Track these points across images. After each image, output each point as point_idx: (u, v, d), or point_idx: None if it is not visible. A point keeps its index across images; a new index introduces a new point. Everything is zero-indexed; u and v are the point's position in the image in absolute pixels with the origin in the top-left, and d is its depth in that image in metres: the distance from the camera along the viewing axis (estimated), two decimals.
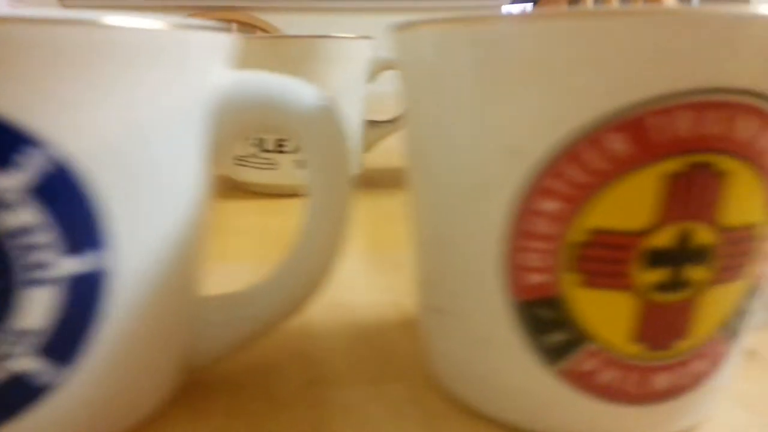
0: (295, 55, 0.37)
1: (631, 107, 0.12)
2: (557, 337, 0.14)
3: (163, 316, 0.14)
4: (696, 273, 0.13)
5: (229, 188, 0.40)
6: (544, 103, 0.12)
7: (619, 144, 0.12)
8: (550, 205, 0.13)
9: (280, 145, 0.38)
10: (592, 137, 0.12)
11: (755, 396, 0.16)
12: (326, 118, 0.15)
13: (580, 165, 0.12)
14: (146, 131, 0.13)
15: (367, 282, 0.24)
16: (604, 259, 0.13)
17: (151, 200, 0.13)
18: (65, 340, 0.12)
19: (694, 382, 0.14)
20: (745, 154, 0.12)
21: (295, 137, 0.15)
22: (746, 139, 0.12)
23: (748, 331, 0.15)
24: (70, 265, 0.12)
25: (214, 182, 0.16)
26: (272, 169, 0.38)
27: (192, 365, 0.16)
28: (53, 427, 0.13)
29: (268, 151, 0.38)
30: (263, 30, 1.38)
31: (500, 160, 0.13)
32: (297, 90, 0.15)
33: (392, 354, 0.19)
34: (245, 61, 0.38)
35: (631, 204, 0.12)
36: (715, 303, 0.13)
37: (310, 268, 0.16)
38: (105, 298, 0.13)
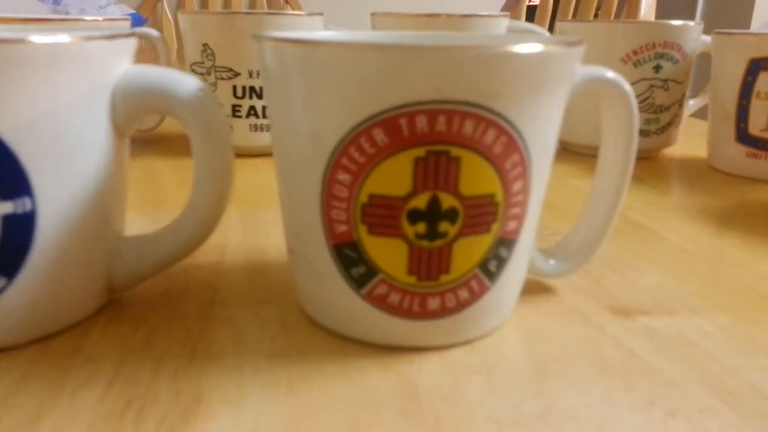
0: (248, 26, 0.42)
1: (386, 111, 0.17)
2: (359, 270, 0.19)
3: (84, 247, 0.20)
4: (447, 227, 0.18)
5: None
6: (331, 106, 0.17)
7: (381, 136, 0.17)
8: (343, 177, 0.18)
9: (236, 111, 0.43)
10: (364, 131, 0.17)
11: (531, 320, 0.22)
12: (204, 102, 0.20)
13: (358, 149, 0.17)
14: (60, 113, 0.18)
15: (275, 233, 0.30)
16: (381, 215, 0.18)
17: (67, 163, 0.19)
18: (6, 258, 0.18)
19: (461, 306, 0.19)
20: (468, 145, 0.17)
21: (180, 119, 0.20)
22: (468, 135, 0.17)
23: (521, 271, 0.21)
24: (5, 207, 0.18)
25: (127, 151, 0.22)
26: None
27: (113, 286, 0.22)
28: (2, 321, 0.19)
29: (226, 115, 0.43)
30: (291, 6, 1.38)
31: (309, 144, 0.18)
32: (179, 80, 0.20)
33: (275, 285, 0.24)
34: (205, 33, 0.43)
35: (394, 177, 0.17)
36: (467, 249, 0.18)
37: (199, 221, 0.21)
38: (33, 231, 0.18)
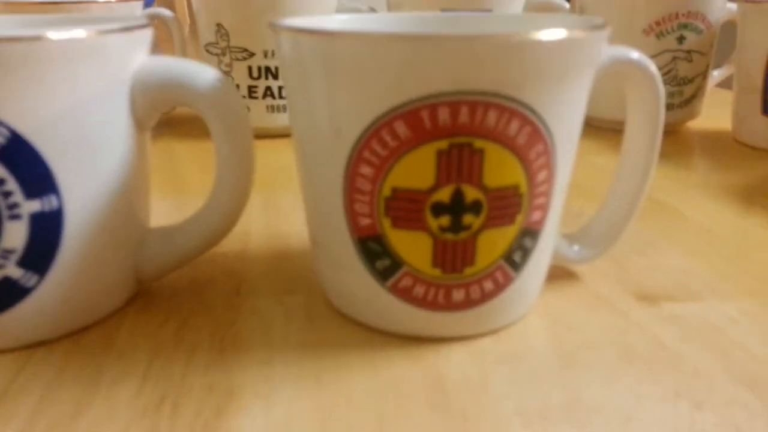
0: (263, 5, 0.41)
1: (407, 103, 0.16)
2: (384, 263, 0.19)
3: (111, 242, 0.20)
4: (471, 219, 0.18)
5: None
6: (351, 98, 0.17)
7: (402, 129, 0.17)
8: (366, 170, 0.18)
9: (252, 92, 0.43)
10: (385, 123, 0.17)
11: (557, 308, 0.22)
12: (224, 93, 0.20)
13: (380, 143, 0.17)
14: (81, 109, 0.18)
15: (304, 221, 0.30)
16: (405, 208, 0.18)
17: (90, 159, 0.19)
18: (37, 256, 0.18)
19: (486, 297, 0.19)
20: (492, 137, 0.17)
21: (199, 111, 0.20)
22: (491, 126, 0.17)
23: (546, 260, 0.21)
24: (33, 206, 0.18)
25: (149, 143, 0.22)
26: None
27: (140, 278, 0.22)
28: (37, 317, 0.19)
29: (242, 96, 0.43)
30: None
31: (330, 136, 0.18)
32: (198, 72, 0.20)
33: (299, 274, 0.24)
34: (219, 13, 0.42)
35: (417, 170, 0.17)
36: (492, 241, 0.18)
37: (223, 212, 0.21)
38: (61, 228, 0.19)
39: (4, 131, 0.17)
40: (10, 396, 0.17)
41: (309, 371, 0.18)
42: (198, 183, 0.35)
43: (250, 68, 0.43)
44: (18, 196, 0.18)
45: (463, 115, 0.16)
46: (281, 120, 0.44)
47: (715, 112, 0.50)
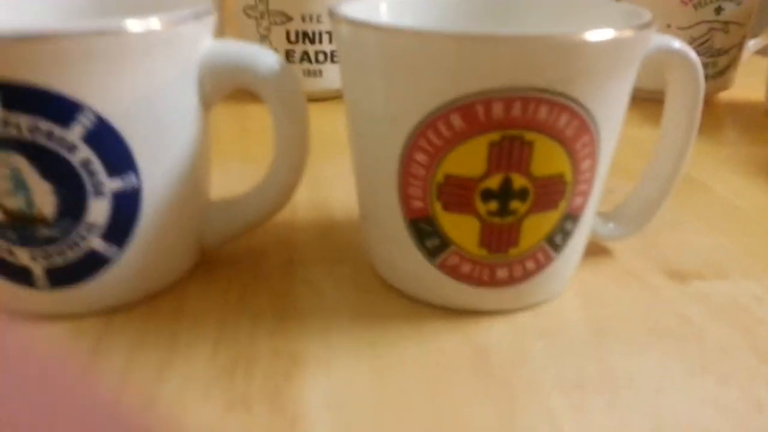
0: None
1: (465, 97, 0.18)
2: (433, 243, 0.20)
3: (180, 215, 0.22)
4: (517, 205, 0.19)
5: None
6: (409, 90, 0.18)
7: (458, 121, 0.18)
8: (421, 157, 0.19)
9: (290, 56, 0.44)
10: (441, 116, 0.18)
11: (591, 284, 0.23)
12: (285, 77, 0.21)
13: (436, 133, 0.18)
14: (157, 94, 0.19)
15: (345, 188, 0.31)
16: (456, 194, 0.19)
17: (164, 140, 0.20)
18: (117, 229, 0.20)
19: (527, 275, 0.21)
20: (542, 130, 0.18)
21: (261, 94, 0.22)
22: (542, 120, 0.18)
23: (584, 241, 0.22)
24: (115, 184, 0.19)
25: (211, 120, 0.23)
26: None
27: (203, 248, 0.24)
28: (116, 284, 0.21)
29: None
30: None
31: (387, 124, 0.19)
32: (261, 56, 0.21)
33: (348, 244, 0.26)
34: None
35: (469, 159, 0.18)
36: (535, 225, 0.20)
37: (279, 187, 0.23)
38: (139, 204, 0.20)
39: (91, 116, 0.18)
40: (99, 355, 0.19)
41: (363, 339, 0.20)
42: (238, 146, 0.36)
43: (288, 32, 0.44)
44: (102, 175, 0.19)
45: (516, 109, 0.18)
46: (318, 84, 0.45)
47: (749, 81, 0.50)
